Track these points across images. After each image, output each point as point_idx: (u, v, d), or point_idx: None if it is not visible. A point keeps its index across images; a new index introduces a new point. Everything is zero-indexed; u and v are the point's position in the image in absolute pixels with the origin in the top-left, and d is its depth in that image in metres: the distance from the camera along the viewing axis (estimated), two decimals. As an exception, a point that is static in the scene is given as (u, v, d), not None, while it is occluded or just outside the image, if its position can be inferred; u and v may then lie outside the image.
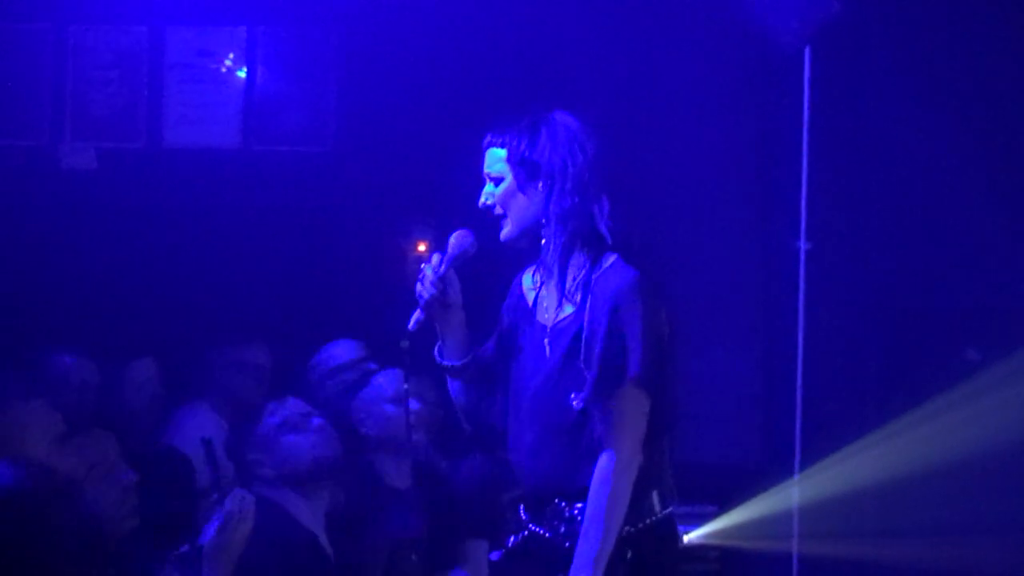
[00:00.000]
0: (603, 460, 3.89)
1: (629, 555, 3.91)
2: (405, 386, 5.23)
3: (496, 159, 4.16)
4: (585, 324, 3.99)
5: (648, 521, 3.98)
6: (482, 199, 4.19)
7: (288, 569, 4.60)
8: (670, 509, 4.06)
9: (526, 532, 4.09)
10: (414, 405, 5.50)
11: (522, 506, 4.14)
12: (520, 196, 4.09)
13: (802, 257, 6.35)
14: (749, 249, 7.16)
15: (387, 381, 5.59)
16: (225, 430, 5.81)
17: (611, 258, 4.02)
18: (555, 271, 4.05)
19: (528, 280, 4.22)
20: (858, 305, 6.80)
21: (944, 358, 6.56)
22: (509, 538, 4.17)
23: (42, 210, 7.23)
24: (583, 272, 4.03)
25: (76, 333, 6.42)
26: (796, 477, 6.38)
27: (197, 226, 7.29)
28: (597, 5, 7.05)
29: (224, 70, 7.47)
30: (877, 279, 6.82)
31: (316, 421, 4.90)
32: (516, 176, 4.09)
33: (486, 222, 7.13)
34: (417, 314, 4.13)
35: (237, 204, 7.36)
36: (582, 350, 3.97)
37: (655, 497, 4.01)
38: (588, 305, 3.99)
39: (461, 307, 4.19)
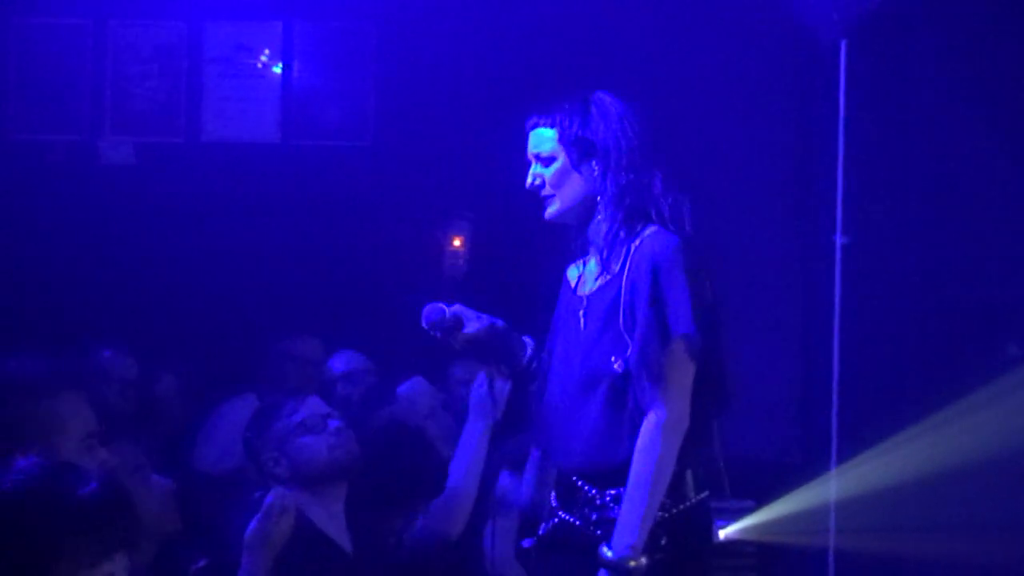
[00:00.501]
0: (650, 419, 3.80)
1: (664, 541, 3.84)
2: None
3: (544, 139, 4.11)
4: (623, 288, 3.94)
5: (682, 507, 3.91)
6: (529, 180, 4.14)
7: (299, 567, 4.59)
8: (705, 494, 3.98)
9: (556, 520, 4.05)
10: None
11: (553, 493, 4.08)
12: (574, 175, 4.05)
13: (838, 251, 6.32)
14: (786, 244, 7.14)
15: (418, 394, 5.59)
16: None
17: (651, 228, 3.98)
18: (603, 246, 4.02)
19: (573, 270, 4.20)
20: (895, 299, 6.76)
21: (982, 353, 6.52)
22: (540, 526, 4.11)
23: (82, 205, 7.28)
24: (623, 242, 3.99)
25: (115, 328, 6.43)
26: (833, 472, 6.34)
27: (236, 220, 7.32)
28: (631, 3, 7.04)
29: (262, 65, 7.50)
30: (914, 274, 6.79)
31: (334, 423, 4.87)
32: (569, 155, 4.04)
33: (517, 212, 7.17)
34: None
35: (276, 198, 7.40)
36: (621, 315, 3.91)
37: (690, 479, 3.94)
38: (627, 270, 3.95)
39: (485, 331, 4.23)
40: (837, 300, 6.32)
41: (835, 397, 6.32)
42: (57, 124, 7.40)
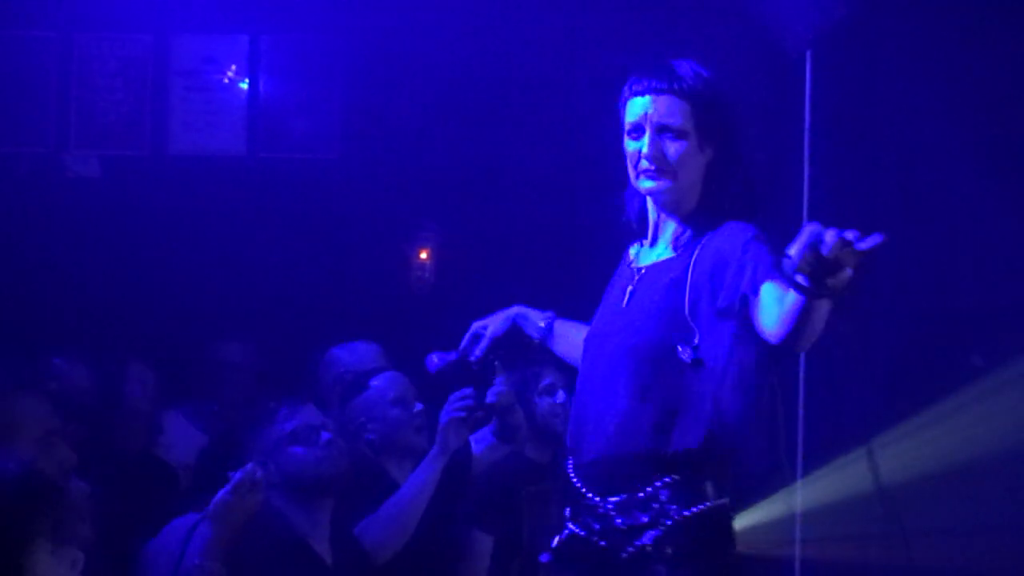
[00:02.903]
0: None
1: (670, 551, 3.62)
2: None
3: (676, 111, 3.75)
4: (692, 271, 3.70)
5: (697, 509, 3.64)
6: (648, 150, 3.76)
7: (276, 572, 4.59)
8: (725, 500, 3.71)
9: (566, 532, 3.83)
10: (418, 406, 5.55)
11: (568, 507, 3.85)
12: (699, 157, 3.76)
13: (805, 263, 6.33)
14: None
15: (388, 384, 5.58)
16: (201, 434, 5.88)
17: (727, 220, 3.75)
18: (681, 228, 3.81)
19: (635, 247, 3.97)
20: (860, 309, 6.78)
21: (947, 364, 6.55)
22: (553, 539, 3.88)
23: (47, 217, 7.27)
24: (700, 227, 3.78)
25: (81, 339, 6.42)
26: (799, 482, 6.36)
27: (202, 233, 7.32)
28: (598, 10, 7.06)
29: (229, 78, 7.49)
30: (879, 284, 6.81)
31: (326, 436, 4.86)
32: (700, 137, 3.74)
33: (484, 225, 7.18)
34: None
35: (242, 211, 7.39)
36: (687, 299, 3.66)
37: (709, 488, 3.67)
38: (696, 253, 3.72)
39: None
40: (803, 311, 6.33)
41: (801, 406, 6.33)
42: (22, 136, 7.38)
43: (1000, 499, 6.30)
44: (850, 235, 3.20)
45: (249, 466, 4.39)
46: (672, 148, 3.75)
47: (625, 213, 3.99)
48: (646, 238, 3.92)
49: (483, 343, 4.24)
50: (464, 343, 4.28)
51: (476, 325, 4.27)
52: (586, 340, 3.92)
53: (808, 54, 6.22)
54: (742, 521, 6.32)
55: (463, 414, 5.14)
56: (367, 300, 7.33)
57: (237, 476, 4.34)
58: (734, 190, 3.78)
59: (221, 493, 4.33)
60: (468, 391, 5.16)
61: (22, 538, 3.03)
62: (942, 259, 6.64)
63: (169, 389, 6.32)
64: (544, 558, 3.89)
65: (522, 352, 4.33)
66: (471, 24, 7.28)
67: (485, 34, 7.31)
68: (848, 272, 3.24)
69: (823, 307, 3.35)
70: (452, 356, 4.30)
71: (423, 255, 7.64)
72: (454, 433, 5.16)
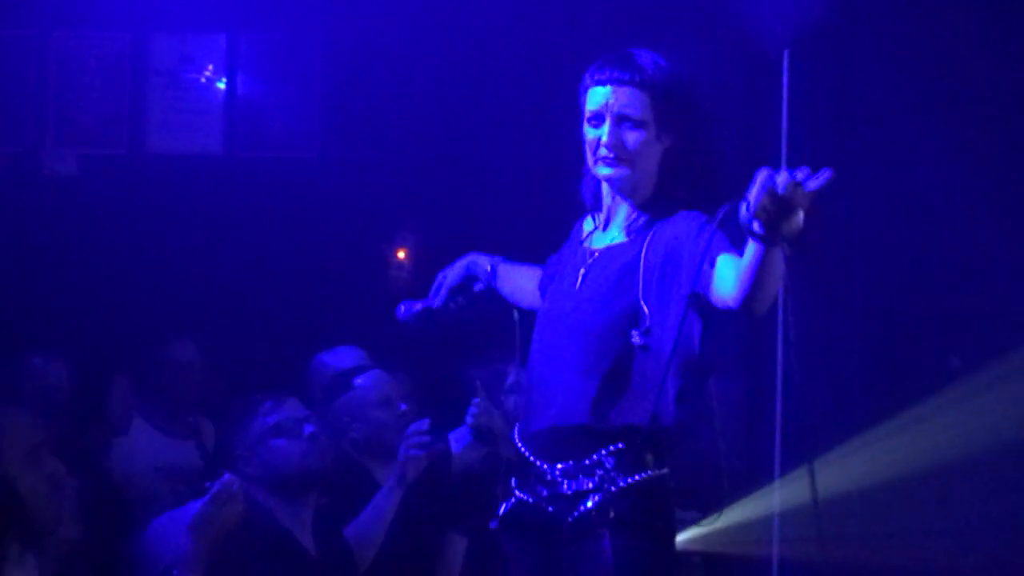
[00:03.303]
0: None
1: (612, 514, 3.74)
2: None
3: (635, 101, 3.87)
4: (644, 255, 3.82)
5: (641, 476, 3.78)
6: (608, 139, 3.87)
7: (261, 565, 4.59)
8: (665, 470, 3.83)
9: (513, 499, 3.94)
10: (402, 407, 5.55)
11: (515, 476, 3.96)
12: (656, 147, 3.88)
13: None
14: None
15: (373, 383, 5.58)
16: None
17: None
18: (635, 211, 3.92)
19: (589, 222, 4.10)
20: (839, 311, 6.79)
21: (926, 363, 6.56)
22: (501, 506, 3.99)
23: (24, 216, 7.25)
24: (647, 214, 3.90)
25: (59, 338, 6.40)
26: (777, 482, 6.36)
27: (180, 232, 7.30)
28: (577, 11, 7.06)
29: (207, 77, 7.48)
30: (857, 284, 6.82)
31: (309, 428, 4.86)
32: (660, 127, 3.86)
33: (462, 224, 7.17)
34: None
35: (220, 210, 7.38)
36: (641, 283, 3.79)
37: (649, 456, 3.80)
38: (648, 240, 3.84)
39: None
40: (780, 310, 6.33)
41: (779, 406, 6.34)
42: (0, 134, 7.36)
43: (979, 499, 6.30)
44: (801, 174, 3.34)
45: (226, 477, 4.40)
46: (631, 137, 3.89)
47: (580, 194, 4.12)
48: (599, 215, 4.05)
49: (442, 292, 4.40)
50: (431, 293, 4.43)
51: (440, 275, 4.44)
52: (538, 318, 4.03)
53: (786, 53, 6.23)
54: (722, 521, 6.37)
55: (421, 452, 5.17)
56: (346, 299, 7.32)
57: (215, 487, 4.34)
58: (691, 178, 3.90)
59: (200, 504, 4.32)
60: (424, 424, 5.24)
61: None
62: (919, 259, 6.64)
63: (142, 391, 6.33)
64: (492, 524, 4.00)
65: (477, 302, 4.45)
66: (451, 23, 7.28)
67: (465, 33, 7.31)
68: (800, 217, 3.36)
69: (778, 260, 3.47)
70: (418, 306, 4.41)
71: (401, 254, 7.62)
72: (412, 468, 5.21)
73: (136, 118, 7.44)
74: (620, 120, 3.88)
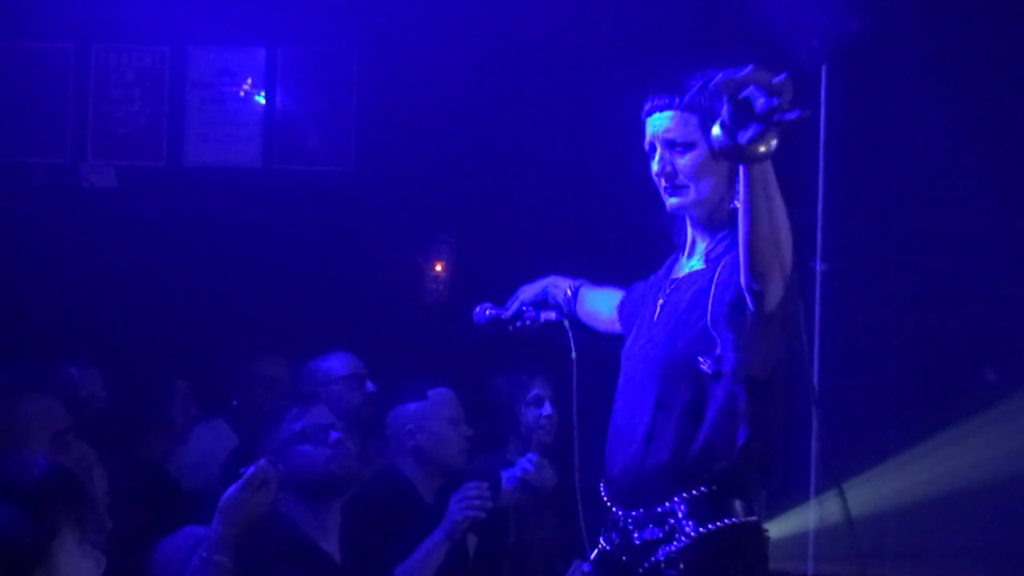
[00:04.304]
0: None
1: (682, 567, 3.60)
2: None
3: (681, 125, 3.76)
4: (716, 280, 3.69)
5: (719, 524, 3.63)
6: (659, 166, 3.80)
7: (284, 571, 4.59)
8: (753, 518, 3.70)
9: (598, 546, 3.84)
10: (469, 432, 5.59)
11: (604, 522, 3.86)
12: (714, 166, 3.72)
13: (818, 279, 6.32)
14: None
15: (446, 401, 5.60)
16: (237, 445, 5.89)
17: None
18: (711, 239, 3.81)
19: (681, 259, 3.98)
20: (875, 327, 6.76)
21: (962, 379, 6.52)
22: (591, 552, 3.90)
23: (63, 228, 7.29)
24: (726, 236, 3.77)
25: (97, 350, 6.43)
26: (812, 499, 6.33)
27: (217, 245, 7.32)
28: (614, 24, 7.06)
29: (245, 90, 7.51)
30: (894, 301, 6.79)
31: (335, 435, 4.87)
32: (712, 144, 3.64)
33: (499, 236, 7.16)
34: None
35: (258, 223, 7.40)
36: (710, 309, 3.66)
37: (730, 498, 3.65)
38: (723, 263, 3.70)
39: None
40: (816, 327, 6.31)
41: (815, 423, 6.30)
42: (39, 147, 7.42)
43: (1017, 517, 6.26)
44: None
45: (262, 461, 4.39)
46: (682, 161, 3.78)
47: (669, 232, 4.04)
48: (683, 251, 3.94)
49: (515, 304, 4.45)
50: (507, 303, 4.48)
51: (520, 289, 4.49)
52: (622, 354, 3.94)
53: (823, 68, 6.21)
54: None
55: (477, 514, 5.21)
56: (382, 312, 7.33)
57: (249, 471, 4.34)
58: None
59: (232, 488, 4.32)
60: (484, 485, 5.24)
61: (49, 532, 3.05)
62: (956, 275, 6.60)
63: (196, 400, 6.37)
64: (585, 567, 3.91)
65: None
66: (486, 36, 7.29)
67: (501, 45, 7.32)
68: (774, 140, 3.23)
69: (764, 182, 3.35)
70: (495, 313, 4.50)
71: (438, 267, 7.63)
72: (466, 527, 5.24)
73: (174, 131, 7.48)
74: (670, 146, 3.79)
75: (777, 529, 6.26)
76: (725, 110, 3.20)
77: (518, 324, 4.44)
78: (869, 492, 6.32)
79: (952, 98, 6.53)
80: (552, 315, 4.36)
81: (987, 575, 6.19)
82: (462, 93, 7.40)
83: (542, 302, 4.41)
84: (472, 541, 5.45)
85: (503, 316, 4.47)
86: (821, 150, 6.23)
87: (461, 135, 7.41)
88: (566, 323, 4.28)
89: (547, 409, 5.96)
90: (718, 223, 3.81)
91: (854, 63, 6.38)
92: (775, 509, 6.32)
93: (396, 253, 7.53)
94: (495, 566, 5.60)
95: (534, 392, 5.98)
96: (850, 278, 6.55)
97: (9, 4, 7.33)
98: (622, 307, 4.14)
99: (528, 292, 4.44)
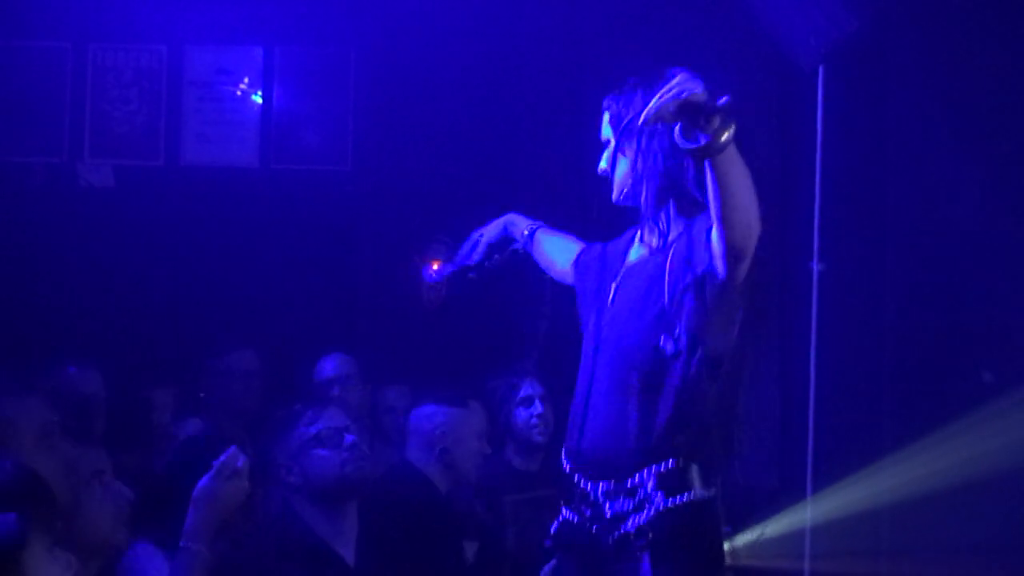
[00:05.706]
0: None
1: (651, 537, 3.70)
2: None
3: (604, 123, 4.00)
4: (669, 265, 3.78)
5: (684, 498, 3.71)
6: (600, 164, 4.01)
7: (298, 574, 4.59)
8: (712, 492, 3.74)
9: (560, 518, 3.93)
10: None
11: (564, 494, 3.94)
12: (620, 157, 3.91)
13: (815, 278, 6.33)
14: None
15: (476, 415, 5.62)
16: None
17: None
18: (646, 223, 3.92)
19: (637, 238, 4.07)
20: (871, 326, 6.78)
21: (958, 379, 6.54)
22: (552, 526, 3.98)
23: (61, 227, 7.28)
24: (667, 221, 3.88)
25: (94, 349, 6.44)
26: (809, 497, 6.35)
27: (215, 244, 7.33)
28: (613, 25, 7.07)
29: (242, 89, 7.51)
30: (891, 300, 6.81)
31: (350, 438, 4.87)
32: (616, 138, 3.90)
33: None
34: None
35: (255, 222, 7.41)
36: (667, 292, 3.75)
37: (695, 472, 3.73)
38: (672, 248, 3.81)
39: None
40: (813, 327, 6.33)
41: (811, 423, 6.33)
42: (37, 146, 7.43)
43: (1012, 514, 6.28)
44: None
45: (231, 449, 4.38)
46: (605, 157, 3.98)
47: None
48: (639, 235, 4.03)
49: (480, 248, 4.48)
50: (465, 252, 4.53)
51: (475, 232, 4.52)
52: (583, 335, 4.02)
53: (821, 69, 6.22)
54: (752, 536, 6.38)
55: None
56: (379, 312, 7.34)
57: (218, 461, 4.34)
58: (664, 183, 3.84)
59: (204, 479, 4.32)
60: None
61: (17, 539, 3.05)
62: (953, 276, 6.62)
63: (184, 401, 6.36)
64: (548, 543, 3.99)
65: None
66: (483, 36, 7.30)
67: (498, 45, 7.33)
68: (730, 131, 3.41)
69: (730, 166, 3.47)
70: (451, 267, 4.51)
71: (435, 267, 7.63)
72: None
73: (171, 130, 7.49)
74: (606, 145, 3.99)
75: (774, 527, 6.33)
76: (677, 130, 3.42)
77: (487, 266, 4.42)
78: (865, 490, 6.34)
79: (949, 98, 6.56)
80: (517, 246, 4.39)
81: (982, 572, 6.20)
82: (459, 93, 7.41)
83: (506, 239, 4.44)
84: (472, 547, 5.46)
85: (469, 264, 4.45)
86: (818, 150, 6.24)
87: (458, 135, 7.41)
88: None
89: (538, 408, 5.98)
90: (659, 209, 3.90)
91: (851, 64, 6.40)
92: (772, 508, 6.37)
93: (393, 253, 7.52)
94: (495, 571, 5.60)
95: (524, 393, 6.00)
96: (847, 278, 6.56)
97: (6, 4, 7.33)
98: (577, 264, 4.23)
99: (491, 231, 4.47)
